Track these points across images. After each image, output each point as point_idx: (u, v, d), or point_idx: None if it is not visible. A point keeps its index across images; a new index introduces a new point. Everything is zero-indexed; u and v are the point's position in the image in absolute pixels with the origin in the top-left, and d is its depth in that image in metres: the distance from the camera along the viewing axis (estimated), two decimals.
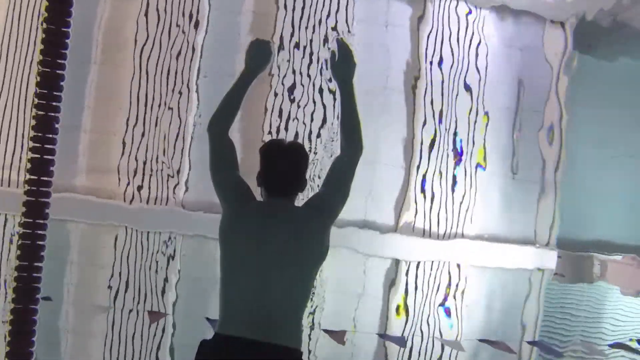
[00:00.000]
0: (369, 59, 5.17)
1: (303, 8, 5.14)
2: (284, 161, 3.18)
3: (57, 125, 4.24)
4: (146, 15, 5.02)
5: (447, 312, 5.26)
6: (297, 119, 5.11)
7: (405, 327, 5.19)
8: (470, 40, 5.40)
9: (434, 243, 5.23)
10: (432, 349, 5.26)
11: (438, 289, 5.25)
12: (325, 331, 4.95)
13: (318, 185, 4.71)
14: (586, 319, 5.83)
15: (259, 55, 3.41)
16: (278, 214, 3.10)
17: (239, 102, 3.36)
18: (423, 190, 5.25)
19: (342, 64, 3.41)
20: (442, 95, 5.31)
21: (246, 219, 3.09)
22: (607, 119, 5.73)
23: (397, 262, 5.18)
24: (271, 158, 3.20)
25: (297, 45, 5.13)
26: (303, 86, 5.13)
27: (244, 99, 3.36)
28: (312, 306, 5.00)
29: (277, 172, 3.17)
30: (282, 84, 5.10)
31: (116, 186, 4.95)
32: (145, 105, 4.99)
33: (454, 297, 5.27)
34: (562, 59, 5.58)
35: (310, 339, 5.01)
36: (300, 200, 3.37)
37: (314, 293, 4.95)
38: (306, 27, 5.13)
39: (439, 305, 5.28)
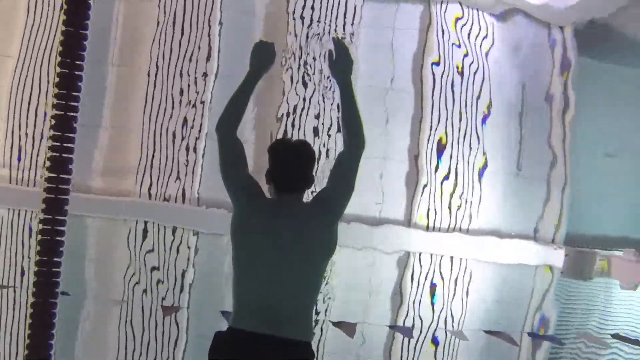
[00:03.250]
0: (376, 61, 5.15)
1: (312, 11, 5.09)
2: (291, 159, 3.17)
3: (75, 125, 4.21)
4: (163, 17, 4.96)
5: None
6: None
7: (411, 318, 5.12)
8: (476, 41, 5.33)
9: (441, 237, 5.14)
10: (444, 341, 5.22)
11: (444, 283, 5.18)
12: (335, 324, 4.90)
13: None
14: (588, 312, 5.77)
15: (263, 56, 3.39)
16: (286, 210, 3.09)
17: (246, 103, 3.34)
18: (431, 187, 5.17)
19: (340, 62, 3.38)
20: (448, 94, 5.23)
21: (256, 216, 3.08)
22: (610, 118, 5.72)
23: (405, 256, 5.10)
24: (279, 156, 3.20)
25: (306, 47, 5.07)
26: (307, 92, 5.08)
27: (250, 99, 3.36)
28: (322, 300, 4.96)
29: (284, 170, 3.17)
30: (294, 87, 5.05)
31: (133, 183, 4.90)
32: (161, 105, 4.92)
33: (460, 290, 5.20)
34: (565, 60, 5.50)
35: (321, 331, 4.97)
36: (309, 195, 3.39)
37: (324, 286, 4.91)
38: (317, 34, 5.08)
39: (444, 298, 5.21)
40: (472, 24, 5.32)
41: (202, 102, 4.91)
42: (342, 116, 3.34)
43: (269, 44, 3.42)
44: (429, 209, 5.17)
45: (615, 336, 5.57)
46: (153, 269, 4.85)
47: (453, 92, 5.22)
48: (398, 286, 5.12)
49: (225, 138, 3.24)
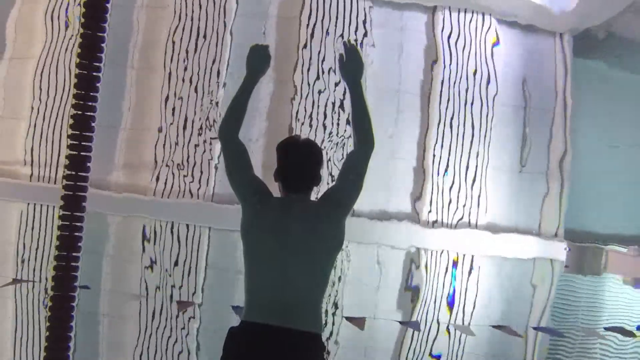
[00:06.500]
0: (385, 62, 5.14)
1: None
2: (299, 158, 3.16)
3: (93, 124, 4.19)
4: (178, 20, 4.99)
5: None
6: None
7: (419, 313, 5.09)
8: (481, 43, 5.31)
9: (447, 233, 5.12)
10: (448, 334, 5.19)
11: (449, 277, 5.14)
12: (346, 318, 4.87)
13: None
14: (588, 307, 5.73)
15: (259, 60, 3.35)
16: (294, 209, 3.08)
17: (245, 106, 3.30)
18: (438, 184, 5.16)
19: (350, 65, 3.34)
20: (454, 95, 5.20)
21: (265, 215, 3.07)
22: (611, 115, 5.72)
23: (413, 252, 5.08)
24: (287, 155, 3.19)
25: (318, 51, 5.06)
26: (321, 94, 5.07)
27: (249, 103, 3.31)
28: (333, 295, 4.94)
29: (292, 169, 3.16)
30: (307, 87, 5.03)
31: (149, 181, 4.88)
32: (176, 105, 4.92)
33: (466, 286, 5.16)
34: (566, 62, 5.47)
35: (333, 324, 4.94)
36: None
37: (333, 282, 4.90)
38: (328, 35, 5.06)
39: (450, 293, 5.18)
40: (478, 27, 5.30)
41: (217, 103, 4.92)
42: (353, 117, 3.31)
43: (264, 47, 3.38)
44: (437, 206, 5.14)
45: (612, 329, 5.54)
46: (168, 264, 4.83)
47: (459, 92, 5.20)
48: (405, 282, 5.09)
49: (228, 142, 3.23)
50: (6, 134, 4.97)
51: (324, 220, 3.06)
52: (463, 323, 5.15)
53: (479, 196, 5.21)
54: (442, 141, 5.16)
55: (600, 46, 5.66)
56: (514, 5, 5.30)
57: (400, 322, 5.05)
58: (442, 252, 5.11)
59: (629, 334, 5.45)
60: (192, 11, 5.01)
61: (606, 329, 5.54)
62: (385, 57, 5.13)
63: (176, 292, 4.86)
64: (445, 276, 5.12)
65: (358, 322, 4.77)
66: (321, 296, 3.08)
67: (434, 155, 5.14)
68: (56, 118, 4.91)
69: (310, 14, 5.02)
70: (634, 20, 5.29)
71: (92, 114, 4.17)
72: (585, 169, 5.59)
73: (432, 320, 5.10)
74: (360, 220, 4.93)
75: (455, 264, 5.14)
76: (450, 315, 5.16)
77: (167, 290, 4.87)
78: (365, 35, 5.07)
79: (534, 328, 5.30)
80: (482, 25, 5.32)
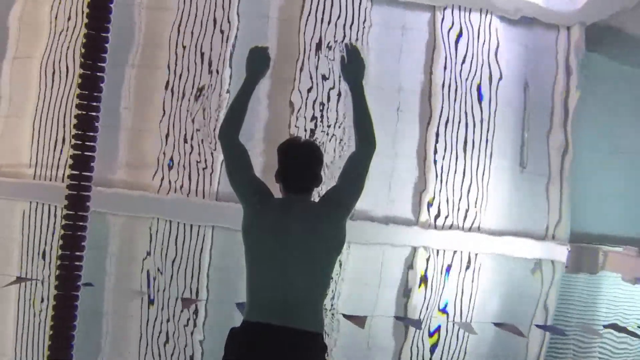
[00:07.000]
0: (386, 61, 5.14)
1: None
2: (299, 159, 3.18)
3: (97, 124, 4.21)
4: (180, 22, 4.97)
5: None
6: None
7: (421, 311, 5.09)
8: (482, 43, 5.30)
9: (449, 233, 5.12)
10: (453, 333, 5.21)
11: (452, 278, 5.15)
12: (346, 316, 4.87)
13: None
14: (588, 305, 5.74)
15: (259, 61, 3.37)
16: (294, 209, 3.09)
17: (245, 108, 3.31)
18: (439, 184, 5.15)
19: (352, 67, 3.38)
20: (455, 94, 5.20)
21: (266, 216, 3.09)
22: (612, 116, 5.73)
23: (414, 252, 5.08)
24: (288, 156, 3.20)
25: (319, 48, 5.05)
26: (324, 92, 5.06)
27: (249, 104, 3.32)
28: (333, 294, 4.95)
29: (293, 170, 3.17)
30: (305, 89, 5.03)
31: (152, 180, 4.88)
32: (179, 104, 4.93)
33: (468, 285, 5.17)
34: (569, 60, 5.46)
35: (332, 323, 4.95)
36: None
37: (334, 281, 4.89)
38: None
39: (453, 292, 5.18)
40: (479, 26, 5.29)
41: (220, 102, 4.90)
42: (354, 118, 3.31)
43: (263, 48, 3.40)
44: (439, 206, 5.14)
45: (610, 326, 5.54)
46: (172, 262, 4.84)
47: (461, 92, 5.19)
48: (406, 281, 5.09)
49: (228, 144, 3.24)
50: (10, 134, 4.97)
51: (324, 220, 3.08)
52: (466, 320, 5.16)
53: (480, 196, 5.21)
54: (443, 141, 5.15)
55: (605, 43, 5.65)
56: (516, 2, 5.28)
57: (397, 318, 5.05)
58: (443, 252, 5.10)
59: (626, 331, 5.47)
60: (195, 9, 5.00)
61: (605, 326, 5.55)
62: (385, 56, 5.12)
63: (180, 290, 4.86)
64: (446, 276, 5.12)
65: (358, 320, 4.78)
66: (322, 296, 3.10)
67: (435, 156, 5.13)
68: (59, 118, 4.90)
69: (309, 14, 5.01)
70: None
71: (95, 114, 4.20)
72: (586, 169, 5.59)
73: (429, 317, 5.11)
74: (361, 220, 4.93)
75: (456, 263, 5.15)
76: (453, 315, 5.17)
77: (170, 289, 4.87)
78: (365, 34, 5.06)
79: (538, 326, 5.31)
80: (484, 24, 5.31)
